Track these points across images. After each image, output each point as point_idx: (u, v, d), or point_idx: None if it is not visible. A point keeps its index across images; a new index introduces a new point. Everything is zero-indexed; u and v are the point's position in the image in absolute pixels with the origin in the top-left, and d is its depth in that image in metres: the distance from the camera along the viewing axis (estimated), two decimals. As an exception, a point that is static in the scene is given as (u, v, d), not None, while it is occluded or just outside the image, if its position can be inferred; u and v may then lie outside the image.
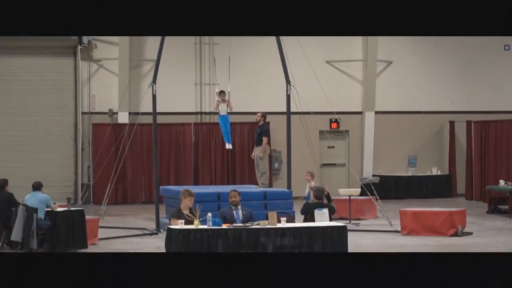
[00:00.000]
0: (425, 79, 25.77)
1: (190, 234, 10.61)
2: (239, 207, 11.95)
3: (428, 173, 25.54)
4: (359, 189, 18.56)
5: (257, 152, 17.44)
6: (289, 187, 17.19)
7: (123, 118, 23.38)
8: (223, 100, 17.95)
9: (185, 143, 24.27)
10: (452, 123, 25.60)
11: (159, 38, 17.57)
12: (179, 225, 10.77)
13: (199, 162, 24.32)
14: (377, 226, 16.87)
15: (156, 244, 14.00)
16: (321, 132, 23.34)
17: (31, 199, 13.43)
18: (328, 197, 13.48)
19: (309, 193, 17.16)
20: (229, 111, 18.09)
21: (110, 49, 24.22)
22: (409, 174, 25.56)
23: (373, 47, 25.07)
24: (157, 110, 17.39)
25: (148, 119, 19.22)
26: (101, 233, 15.13)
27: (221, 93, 18.04)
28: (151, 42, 22.52)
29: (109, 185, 17.73)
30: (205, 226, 10.78)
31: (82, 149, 24.05)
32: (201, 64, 24.84)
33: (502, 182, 19.89)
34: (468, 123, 24.66)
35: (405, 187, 25.23)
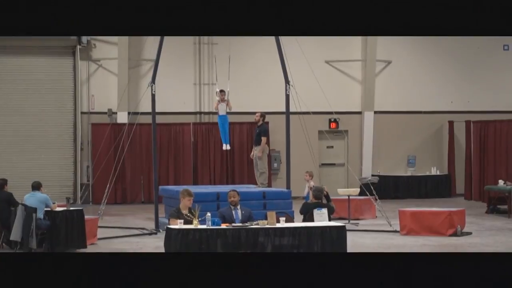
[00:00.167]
0: (424, 79, 25.77)
1: (189, 234, 10.61)
2: (238, 207, 11.96)
3: (427, 173, 25.55)
4: (358, 189, 18.57)
5: (256, 152, 17.44)
6: (288, 187, 17.19)
7: (122, 118, 23.37)
8: (222, 100, 17.94)
9: (184, 143, 24.26)
10: (451, 123, 25.60)
11: (158, 38, 17.56)
12: (178, 225, 10.77)
13: (198, 162, 24.32)
14: (376, 226, 16.87)
15: (155, 244, 13.99)
16: (320, 132, 23.33)
17: (30, 199, 13.42)
18: (327, 197, 13.48)
19: (308, 193, 17.16)
20: (228, 111, 18.09)
21: (109, 49, 24.22)
22: (408, 174, 25.56)
23: (372, 47, 25.07)
24: (156, 110, 17.39)
25: (147, 119, 19.22)
26: (100, 233, 15.12)
27: (221, 92, 18.03)
28: (150, 42, 22.47)
29: (108, 185, 17.71)
30: (204, 226, 10.78)
31: (81, 149, 24.05)
32: (200, 64, 24.84)
33: (501, 182, 19.88)
34: (467, 123, 24.66)
35: (404, 187, 25.23)
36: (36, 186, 13.69)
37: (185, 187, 14.33)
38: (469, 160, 24.44)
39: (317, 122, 21.99)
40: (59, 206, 14.03)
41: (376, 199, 17.76)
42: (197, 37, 24.59)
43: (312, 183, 17.36)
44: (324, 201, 13.21)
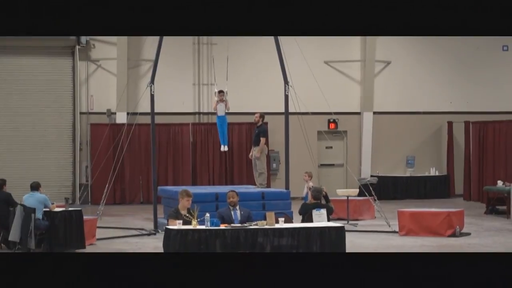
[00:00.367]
0: (424, 79, 25.78)
1: (188, 234, 10.61)
2: (237, 207, 11.94)
3: (426, 174, 25.54)
4: (357, 190, 18.58)
5: (254, 152, 17.43)
6: (287, 187, 17.19)
7: (121, 118, 23.36)
8: (221, 100, 17.94)
9: (183, 143, 24.26)
10: (450, 124, 25.60)
11: (157, 38, 17.55)
12: (177, 225, 10.76)
13: (197, 163, 24.31)
14: (375, 227, 16.87)
15: (154, 244, 14.00)
16: (319, 132, 23.33)
17: (29, 199, 13.42)
18: (326, 197, 13.46)
19: (307, 193, 17.16)
20: (226, 111, 18.09)
21: (108, 49, 24.21)
22: (407, 174, 25.55)
23: (371, 47, 25.08)
24: (155, 110, 17.40)
25: (146, 119, 19.18)
26: (99, 233, 15.11)
27: (220, 92, 18.03)
28: (149, 42, 22.41)
29: (107, 185, 17.70)
30: (203, 227, 10.78)
31: (80, 149, 24.04)
32: (199, 64, 24.84)
33: (500, 182, 19.89)
34: (466, 123, 24.66)
35: (403, 187, 25.23)
36: (35, 187, 13.68)
37: (184, 187, 14.33)
38: (468, 161, 24.45)
39: (316, 123, 21.96)
40: (58, 206, 14.02)
41: (375, 200, 17.75)
42: (196, 37, 24.59)
43: (311, 184, 17.37)
44: (323, 201, 13.20)
